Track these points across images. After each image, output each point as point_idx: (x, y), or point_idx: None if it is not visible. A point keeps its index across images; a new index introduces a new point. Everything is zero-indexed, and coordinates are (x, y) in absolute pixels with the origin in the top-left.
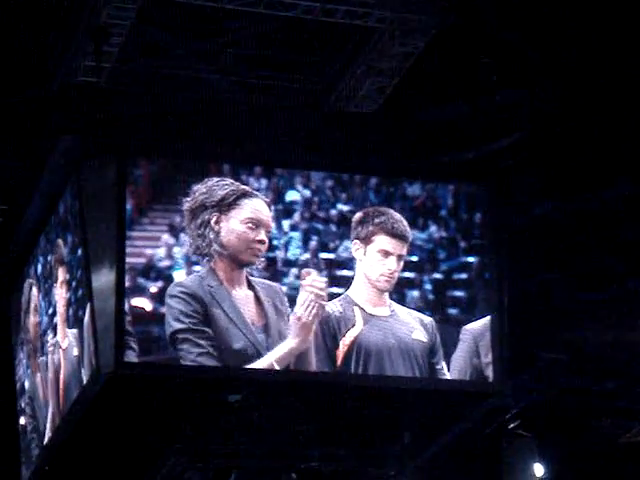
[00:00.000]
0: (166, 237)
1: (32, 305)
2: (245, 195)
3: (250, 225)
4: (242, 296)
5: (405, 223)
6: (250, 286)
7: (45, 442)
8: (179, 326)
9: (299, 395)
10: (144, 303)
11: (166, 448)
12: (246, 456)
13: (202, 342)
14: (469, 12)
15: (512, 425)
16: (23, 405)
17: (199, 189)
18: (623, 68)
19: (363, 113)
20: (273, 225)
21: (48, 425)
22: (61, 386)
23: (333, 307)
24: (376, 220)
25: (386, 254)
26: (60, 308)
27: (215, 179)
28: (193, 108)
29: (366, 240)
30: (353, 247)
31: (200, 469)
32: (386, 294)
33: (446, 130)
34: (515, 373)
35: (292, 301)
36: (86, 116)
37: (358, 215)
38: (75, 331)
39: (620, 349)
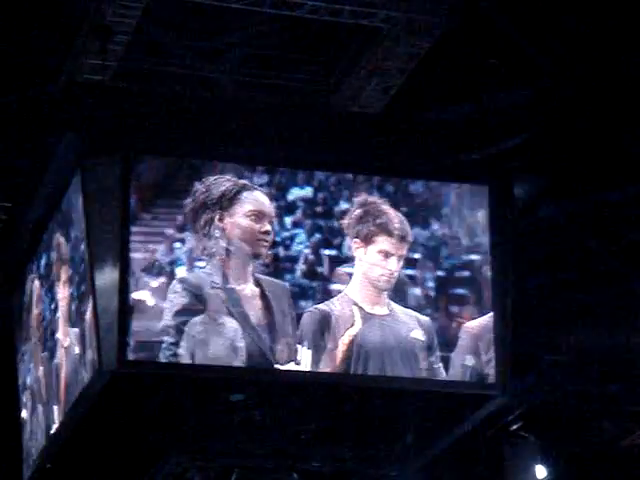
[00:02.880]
0: (169, 233)
1: (34, 298)
2: (244, 188)
3: (253, 217)
4: (248, 293)
5: (406, 223)
6: (257, 283)
7: (47, 440)
8: (169, 322)
9: (301, 395)
10: (146, 297)
11: (168, 447)
12: (247, 456)
13: (183, 344)
14: (475, 13)
15: (514, 427)
16: (25, 400)
17: (199, 189)
18: (629, 70)
19: (368, 113)
20: (275, 214)
21: (50, 423)
22: (62, 384)
23: (332, 306)
24: (377, 221)
25: (387, 255)
26: (62, 306)
27: (212, 177)
28: (198, 107)
29: (367, 240)
30: (353, 245)
31: (201, 468)
32: (385, 293)
33: (451, 131)
34: (517, 375)
35: (295, 298)
36: (91, 114)
37: (358, 212)
38: (77, 330)
39: (623, 351)
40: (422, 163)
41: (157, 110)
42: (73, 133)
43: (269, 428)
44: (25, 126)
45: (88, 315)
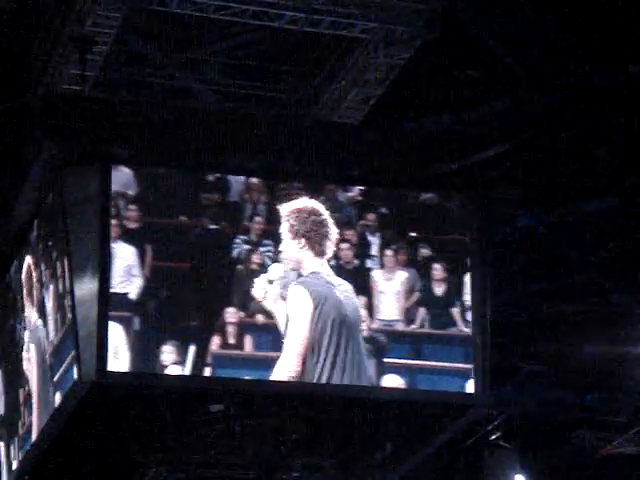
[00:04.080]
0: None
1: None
2: None
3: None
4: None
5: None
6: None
7: (25, 451)
8: None
9: (281, 405)
10: None
11: (147, 458)
12: (228, 466)
13: None
14: (454, 24)
15: (494, 436)
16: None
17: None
18: (606, 82)
19: (347, 123)
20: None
21: (29, 434)
22: (37, 394)
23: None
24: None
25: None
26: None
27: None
28: (177, 117)
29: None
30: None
31: (181, 479)
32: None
33: (430, 141)
34: (497, 385)
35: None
36: (70, 124)
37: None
38: (55, 340)
39: (602, 362)
40: (402, 173)
41: (137, 121)
42: (52, 143)
43: (249, 438)
44: (3, 136)
45: (67, 327)
